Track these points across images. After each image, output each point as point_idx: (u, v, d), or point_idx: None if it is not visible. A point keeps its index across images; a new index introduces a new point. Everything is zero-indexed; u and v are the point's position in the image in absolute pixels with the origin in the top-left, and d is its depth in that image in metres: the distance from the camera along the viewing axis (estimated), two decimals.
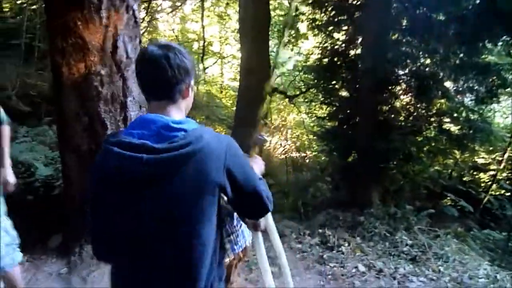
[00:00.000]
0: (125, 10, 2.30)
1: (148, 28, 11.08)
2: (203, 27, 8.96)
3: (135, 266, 1.19)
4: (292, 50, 9.94)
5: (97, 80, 2.25)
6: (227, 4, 11.01)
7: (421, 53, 6.26)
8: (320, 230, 4.71)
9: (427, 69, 6.39)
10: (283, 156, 10.82)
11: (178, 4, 11.11)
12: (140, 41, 2.53)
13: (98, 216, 1.22)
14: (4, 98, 5.92)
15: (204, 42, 9.21)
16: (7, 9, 9.66)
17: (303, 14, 8.20)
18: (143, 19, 9.24)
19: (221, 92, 12.47)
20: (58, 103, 2.35)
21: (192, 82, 1.25)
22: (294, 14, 8.22)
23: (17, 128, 4.56)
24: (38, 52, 7.22)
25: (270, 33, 9.34)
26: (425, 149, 6.57)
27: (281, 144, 11.14)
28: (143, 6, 9.21)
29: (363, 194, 5.96)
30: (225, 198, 1.27)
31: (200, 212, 1.15)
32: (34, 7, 8.24)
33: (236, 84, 9.24)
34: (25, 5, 8.14)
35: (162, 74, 1.15)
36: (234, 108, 8.25)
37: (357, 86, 6.57)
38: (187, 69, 1.19)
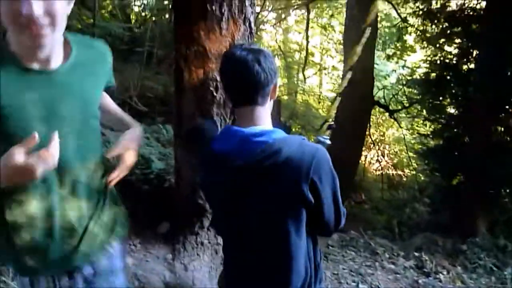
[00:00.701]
0: (242, 22, 2.47)
1: (254, 39, 11.56)
2: (307, 37, 9.07)
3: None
4: (397, 62, 9.56)
5: (213, 86, 2.45)
6: (332, 15, 11.01)
7: None
8: (416, 253, 4.43)
9: None
10: (378, 172, 10.41)
11: (283, 15, 11.42)
12: None
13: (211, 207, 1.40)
14: (127, 98, 6.68)
15: (306, 53, 9.30)
16: (133, 20, 10.88)
17: (411, 25, 7.85)
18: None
19: (319, 102, 12.46)
20: (178, 104, 2.60)
21: (278, 82, 1.26)
22: (401, 25, 7.90)
23: None
24: (156, 58, 7.97)
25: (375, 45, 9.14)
26: None
27: (377, 160, 10.74)
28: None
29: (467, 220, 5.48)
30: None
31: (282, 228, 1.18)
32: (154, 18, 9.17)
33: (335, 95, 9.18)
34: (148, 16, 9.10)
35: (255, 77, 1.15)
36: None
37: (468, 103, 6.09)
38: (275, 71, 1.20)
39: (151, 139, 4.41)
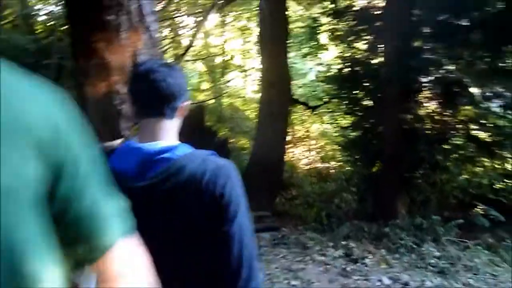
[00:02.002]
0: (143, 30, 2.38)
1: (172, 44, 11.37)
2: (224, 41, 9.11)
3: None
4: (312, 61, 9.95)
5: (118, 99, 2.33)
6: (248, 18, 11.18)
7: (445, 59, 6.15)
8: (344, 242, 4.65)
9: (451, 75, 6.27)
10: (307, 167, 10.75)
11: (200, 19, 11.36)
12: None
13: None
14: None
15: (225, 56, 9.34)
16: (40, 31, 10.13)
17: (322, 25, 8.22)
18: (166, 36, 9.48)
19: (244, 104, 12.59)
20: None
21: (188, 102, 1.19)
22: (313, 25, 8.24)
23: None
24: (66, 71, 7.51)
25: (291, 45, 9.43)
26: (452, 157, 6.41)
27: (305, 155, 11.09)
28: (167, 23, 9.49)
29: (388, 204, 5.85)
30: None
31: (193, 247, 1.11)
32: (63, 28, 8.63)
33: (259, 96, 9.33)
34: (55, 26, 8.53)
35: (166, 88, 1.10)
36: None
37: (380, 95, 6.50)
38: (186, 88, 1.17)
39: None
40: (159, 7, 9.65)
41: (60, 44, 7.54)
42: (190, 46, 8.04)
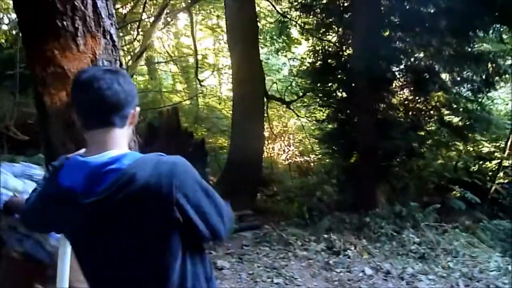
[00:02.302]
0: (102, 35, 2.28)
1: (141, 46, 11.16)
2: (194, 40, 9.00)
3: None
4: (285, 55, 9.93)
5: None
6: (218, 16, 11.07)
7: (414, 47, 6.23)
8: (326, 235, 4.65)
9: (421, 63, 6.36)
10: (287, 162, 10.76)
11: (169, 19, 11.19)
12: (121, 64, 2.53)
13: None
14: (2, 129, 5.98)
15: (197, 56, 9.23)
16: (2, 40, 9.79)
17: (292, 19, 8.21)
18: (135, 38, 9.31)
19: (220, 103, 12.49)
20: (45, 133, 2.35)
21: (138, 109, 1.15)
22: (282, 20, 8.21)
23: (14, 158, 4.59)
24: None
25: (262, 40, 9.38)
26: (427, 143, 6.52)
27: (284, 150, 11.09)
28: (135, 24, 9.30)
29: (368, 194, 5.90)
30: None
31: (153, 261, 1.08)
32: None
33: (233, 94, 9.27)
34: (18, 35, 8.24)
35: (114, 96, 1.04)
36: None
37: (353, 86, 6.54)
38: (135, 95, 1.11)
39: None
40: (126, 9, 9.48)
41: (23, 54, 7.28)
42: (144, 48, 7.87)
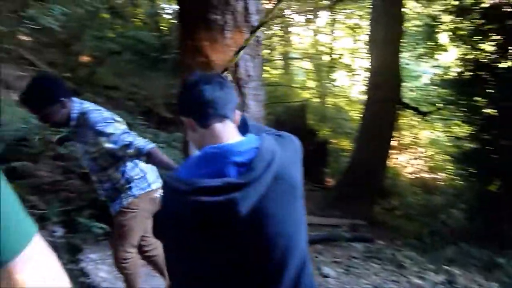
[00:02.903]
0: (248, 30, 2.38)
1: (281, 42, 11.50)
2: (332, 39, 8.87)
3: None
4: (428, 62, 9.15)
5: None
6: (360, 16, 10.74)
7: None
8: (447, 267, 4.17)
9: None
10: (412, 176, 10.01)
11: (311, 17, 11.26)
12: (261, 60, 2.61)
13: None
14: (152, 106, 6.77)
15: (332, 55, 9.09)
16: (164, 27, 11.08)
17: (443, 23, 7.49)
18: (276, 33, 9.59)
19: (349, 105, 12.19)
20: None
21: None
22: (432, 23, 7.55)
23: (157, 133, 5.15)
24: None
25: (405, 44, 8.80)
26: None
27: (410, 163, 10.33)
28: (277, 20, 9.60)
29: (506, 230, 5.13)
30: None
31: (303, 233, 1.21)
32: None
33: (365, 97, 8.93)
34: (176, 23, 9.20)
35: (228, 92, 1.17)
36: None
37: (506, 104, 5.71)
38: (236, 98, 1.24)
39: (170, 148, 4.40)
40: (269, 5, 9.83)
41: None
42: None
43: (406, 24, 8.64)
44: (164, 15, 11.61)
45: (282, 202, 1.10)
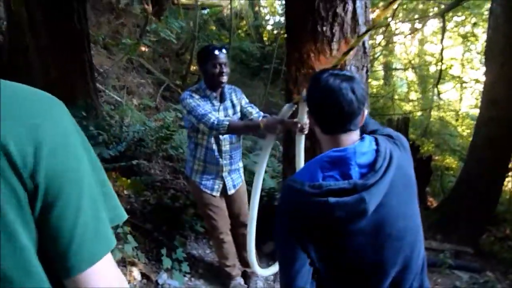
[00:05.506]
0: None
1: (383, 52, 11.07)
2: (442, 48, 8.27)
3: None
4: None
5: None
6: (475, 24, 9.85)
7: None
8: None
9: None
10: None
11: (418, 26, 10.67)
12: (367, 71, 2.55)
13: None
14: None
15: (441, 65, 8.46)
16: (266, 38, 11.47)
17: None
18: (379, 43, 9.28)
19: (457, 120, 11.23)
20: None
21: (366, 111, 1.23)
22: None
23: (257, 140, 5.30)
24: (283, 74, 8.24)
25: None
26: None
27: None
28: (381, 29, 9.28)
29: None
30: None
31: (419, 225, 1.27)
32: (284, 36, 9.48)
33: (476, 112, 8.13)
34: (278, 34, 9.44)
35: (349, 107, 1.13)
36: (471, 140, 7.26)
37: None
38: (366, 97, 1.19)
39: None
40: (373, 14, 9.53)
41: (279, 51, 8.31)
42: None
43: None
44: (267, 27, 12.01)
45: (404, 199, 1.16)
